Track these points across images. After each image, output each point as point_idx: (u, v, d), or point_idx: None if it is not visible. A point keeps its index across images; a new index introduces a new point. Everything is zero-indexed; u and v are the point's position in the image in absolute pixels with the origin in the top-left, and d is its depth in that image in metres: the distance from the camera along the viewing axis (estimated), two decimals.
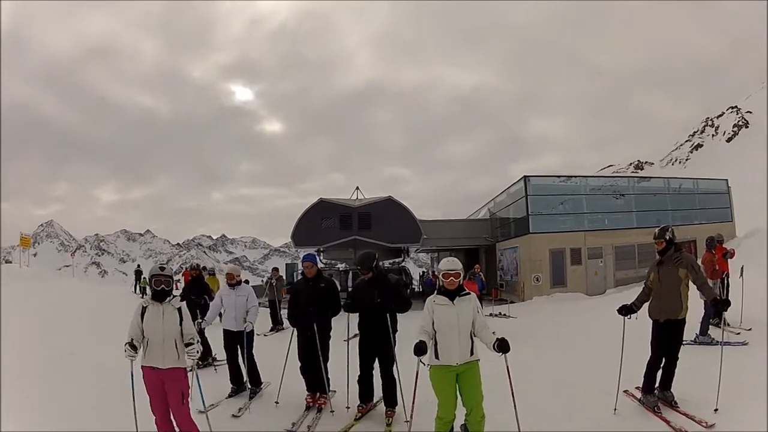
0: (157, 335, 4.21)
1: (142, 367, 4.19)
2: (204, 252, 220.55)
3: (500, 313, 15.55)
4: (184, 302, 4.59)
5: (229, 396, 6.26)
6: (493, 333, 4.23)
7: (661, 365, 5.18)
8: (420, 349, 4.05)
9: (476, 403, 4.19)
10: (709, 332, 7.67)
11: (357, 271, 6.05)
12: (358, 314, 5.48)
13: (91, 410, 5.34)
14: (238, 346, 6.38)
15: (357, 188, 24.95)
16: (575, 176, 23.29)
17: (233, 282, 6.62)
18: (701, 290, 5.20)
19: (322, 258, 24.76)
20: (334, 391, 5.88)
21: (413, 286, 27.46)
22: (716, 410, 4.70)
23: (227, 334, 6.46)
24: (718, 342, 6.72)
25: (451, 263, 4.35)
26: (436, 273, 25.56)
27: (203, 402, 4.69)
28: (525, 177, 21.34)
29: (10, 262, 27.05)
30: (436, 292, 4.45)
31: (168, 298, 4.35)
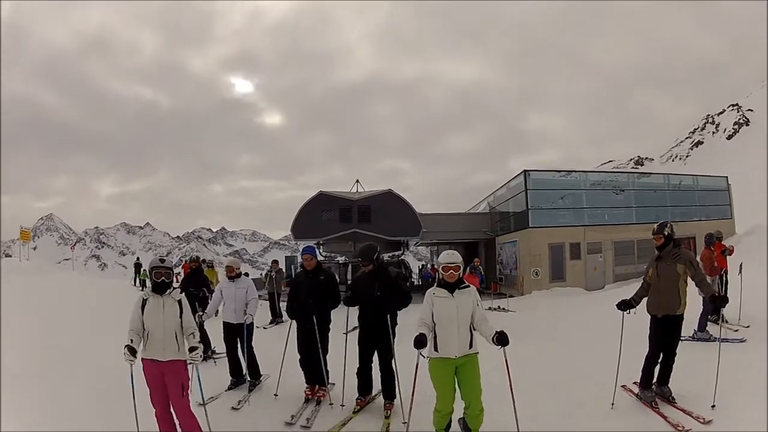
0: (158, 328, 4.21)
1: (143, 359, 4.18)
2: (204, 245, 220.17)
3: (499, 307, 15.58)
4: (184, 294, 4.59)
5: (229, 389, 6.28)
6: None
7: (659, 361, 5.20)
8: (420, 341, 4.07)
9: (475, 396, 4.21)
10: (707, 329, 7.69)
11: (357, 264, 6.06)
12: (357, 307, 5.50)
13: (92, 404, 5.34)
14: (238, 339, 6.40)
15: (357, 181, 24.89)
16: (575, 171, 23.23)
17: (233, 274, 6.64)
18: (699, 286, 5.20)
19: (321, 251, 24.73)
20: (333, 384, 5.90)
21: (413, 280, 27.46)
22: (713, 406, 4.71)
23: (227, 326, 6.47)
24: (716, 338, 6.74)
25: (450, 256, 4.36)
26: (435, 266, 25.65)
27: (202, 395, 4.71)
28: (525, 171, 21.28)
29: (10, 256, 27.04)
30: (435, 284, 4.47)
31: (168, 291, 4.36)
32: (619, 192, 22.41)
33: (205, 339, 7.41)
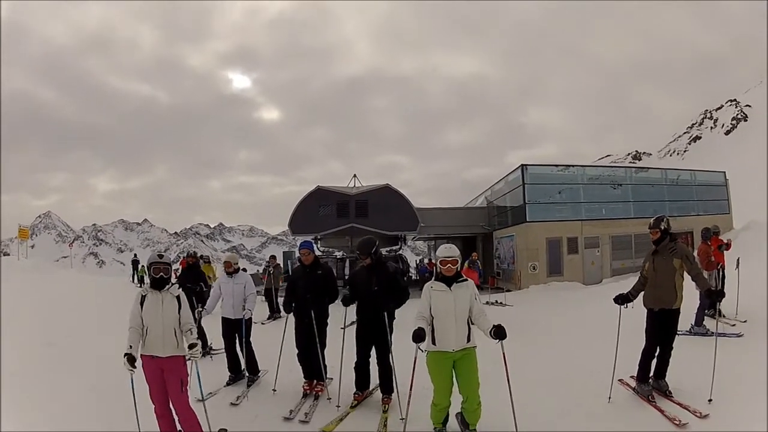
0: (157, 323, 4.20)
1: (142, 356, 4.17)
2: (202, 240, 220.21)
3: (497, 302, 15.59)
4: (182, 289, 4.58)
5: (227, 384, 6.28)
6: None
7: (656, 354, 5.22)
8: (418, 336, 4.07)
9: (472, 390, 4.22)
10: (704, 323, 7.71)
11: (355, 259, 6.07)
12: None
13: (92, 403, 5.34)
14: (236, 335, 6.40)
15: (354, 176, 24.78)
16: (573, 165, 23.23)
17: (231, 270, 6.63)
18: (695, 281, 5.21)
19: (319, 246, 24.73)
20: (331, 379, 5.89)
21: (410, 274, 27.47)
22: (710, 401, 4.74)
23: (225, 321, 6.47)
24: (713, 333, 6.76)
25: (448, 250, 4.36)
26: (432, 261, 25.66)
27: (201, 391, 4.70)
28: (522, 165, 21.29)
29: (8, 255, 26.99)
30: (433, 278, 4.47)
31: (167, 286, 4.35)
32: (617, 186, 22.43)
33: (201, 335, 7.40)
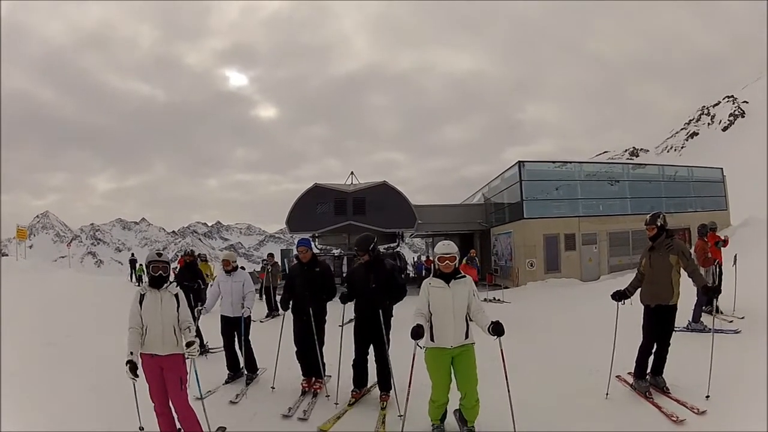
0: (156, 322, 4.19)
1: (142, 354, 4.16)
2: (199, 239, 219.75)
3: (494, 299, 15.65)
4: (179, 287, 4.58)
5: (226, 382, 6.28)
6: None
7: (653, 351, 5.23)
8: (417, 333, 4.07)
9: (471, 387, 4.23)
10: (701, 320, 7.72)
11: (352, 256, 6.07)
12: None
13: (92, 402, 5.34)
14: (235, 333, 6.41)
15: (352, 173, 24.78)
16: (570, 162, 23.28)
17: (229, 268, 6.63)
18: (692, 277, 5.20)
19: (317, 243, 24.73)
20: (329, 376, 5.91)
21: (408, 272, 27.49)
22: (708, 397, 4.75)
23: (224, 320, 6.47)
24: (710, 329, 6.78)
25: (447, 247, 4.37)
26: (430, 258, 25.65)
27: (200, 389, 4.71)
28: (520, 162, 21.31)
29: (6, 255, 26.93)
30: (432, 274, 4.48)
31: (165, 285, 4.35)
32: (614, 183, 22.49)
33: (197, 334, 7.39)
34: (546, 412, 4.89)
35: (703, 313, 7.75)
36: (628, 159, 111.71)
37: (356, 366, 5.49)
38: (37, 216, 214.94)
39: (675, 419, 4.50)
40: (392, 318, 5.47)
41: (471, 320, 4.30)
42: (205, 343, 7.85)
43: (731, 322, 7.85)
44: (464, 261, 12.06)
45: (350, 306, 5.52)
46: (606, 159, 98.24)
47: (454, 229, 25.80)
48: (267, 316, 12.68)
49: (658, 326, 5.16)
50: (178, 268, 9.56)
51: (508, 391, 4.11)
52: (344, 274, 19.63)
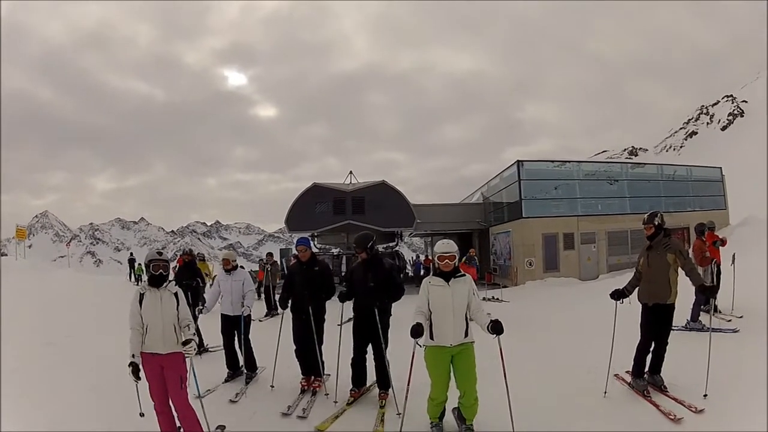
0: (157, 321, 4.20)
1: (142, 353, 4.17)
2: (198, 238, 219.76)
3: (493, 297, 15.66)
4: (178, 286, 4.59)
5: (226, 381, 6.29)
6: (488, 314, 4.27)
7: (651, 349, 5.25)
8: (416, 331, 4.09)
9: (470, 385, 4.24)
10: (700, 318, 7.73)
11: (351, 255, 6.08)
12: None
13: (92, 401, 5.35)
14: (235, 331, 6.42)
15: (351, 172, 24.77)
16: (569, 161, 23.26)
17: (229, 267, 6.65)
18: (689, 276, 5.21)
19: (316, 243, 24.72)
20: (329, 375, 5.92)
21: (407, 271, 27.50)
22: (705, 396, 4.76)
23: (225, 318, 6.49)
24: (708, 328, 6.79)
25: (446, 246, 4.38)
26: (429, 257, 25.65)
27: (198, 388, 4.71)
28: (518, 161, 21.31)
29: (6, 255, 26.91)
30: (432, 273, 4.49)
31: (165, 284, 4.36)
32: (613, 182, 22.48)
33: (197, 334, 7.39)
34: (544, 410, 4.90)
35: (701, 312, 7.76)
36: (627, 158, 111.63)
37: (355, 365, 5.50)
38: (37, 216, 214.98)
39: (673, 418, 4.52)
40: (390, 317, 5.47)
41: (471, 319, 4.31)
42: (205, 345, 7.85)
43: (729, 321, 7.87)
44: (463, 260, 12.09)
45: (349, 305, 5.54)
46: (605, 158, 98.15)
47: (453, 228, 25.79)
48: (266, 315, 12.68)
49: (656, 325, 5.18)
50: (177, 267, 9.57)
51: (507, 389, 4.12)
52: (343, 273, 19.65)
